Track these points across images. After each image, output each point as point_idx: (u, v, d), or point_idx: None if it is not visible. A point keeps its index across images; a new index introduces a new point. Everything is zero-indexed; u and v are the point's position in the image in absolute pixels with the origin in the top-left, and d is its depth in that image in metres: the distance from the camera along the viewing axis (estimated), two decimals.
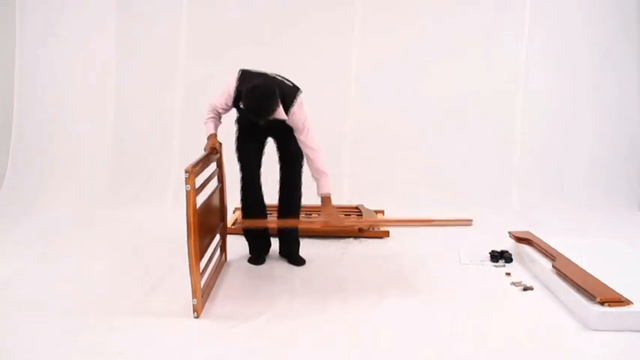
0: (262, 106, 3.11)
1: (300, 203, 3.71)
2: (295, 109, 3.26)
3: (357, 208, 4.86)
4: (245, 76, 3.34)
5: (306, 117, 3.32)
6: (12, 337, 2.63)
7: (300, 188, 3.65)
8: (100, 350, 2.53)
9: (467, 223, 3.10)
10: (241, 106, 3.27)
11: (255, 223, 3.62)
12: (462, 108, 5.45)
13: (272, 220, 3.76)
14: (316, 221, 3.29)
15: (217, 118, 3.44)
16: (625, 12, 5.45)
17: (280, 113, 3.19)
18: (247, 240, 3.78)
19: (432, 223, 3.18)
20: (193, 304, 2.85)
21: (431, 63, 5.43)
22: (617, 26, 5.46)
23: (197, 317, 2.85)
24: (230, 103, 3.36)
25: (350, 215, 4.69)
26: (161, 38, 5.43)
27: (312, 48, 5.41)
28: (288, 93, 3.27)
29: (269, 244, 3.82)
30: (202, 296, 2.94)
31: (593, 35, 5.46)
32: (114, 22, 5.39)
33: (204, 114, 3.44)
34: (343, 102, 5.45)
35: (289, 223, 3.64)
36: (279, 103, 3.17)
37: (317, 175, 3.34)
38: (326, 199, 3.34)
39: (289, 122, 3.30)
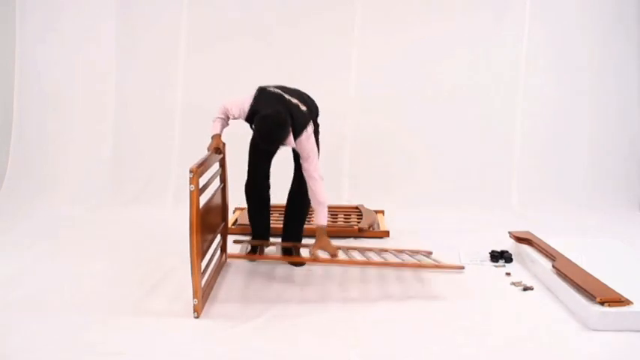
0: (272, 136, 3.08)
1: (308, 209, 3.68)
2: (303, 137, 3.23)
3: (357, 208, 4.86)
4: (261, 96, 3.31)
5: (313, 146, 3.29)
6: (12, 337, 2.63)
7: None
8: (100, 350, 2.53)
9: (459, 267, 3.12)
10: (253, 127, 3.25)
11: (258, 257, 3.59)
12: (462, 108, 5.45)
13: (273, 256, 3.69)
14: (312, 254, 3.30)
15: (226, 120, 3.42)
16: (625, 12, 5.45)
17: (290, 142, 3.17)
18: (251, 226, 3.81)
19: (425, 266, 3.17)
20: (194, 304, 2.85)
21: (431, 63, 5.43)
22: (617, 26, 5.46)
23: (197, 317, 2.85)
24: (243, 117, 3.34)
25: (350, 215, 4.69)
26: (161, 38, 5.43)
27: (312, 48, 5.41)
28: (299, 121, 3.23)
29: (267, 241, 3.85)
30: (203, 296, 2.94)
31: (593, 36, 5.47)
32: (114, 22, 5.39)
33: (215, 112, 3.41)
34: (343, 102, 5.45)
35: (289, 258, 3.59)
36: (290, 132, 3.15)
37: (316, 205, 3.31)
38: (321, 230, 3.32)
39: (296, 149, 3.29)
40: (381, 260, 3.32)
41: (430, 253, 3.71)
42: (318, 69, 5.36)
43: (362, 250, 3.65)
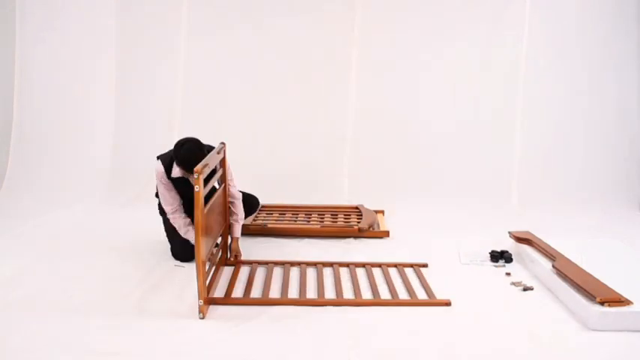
0: (197, 154, 3.19)
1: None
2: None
3: (357, 208, 4.86)
4: (165, 154, 3.50)
5: (231, 172, 3.62)
6: (12, 337, 2.63)
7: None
8: (100, 350, 2.53)
9: (446, 303, 3.06)
10: (174, 167, 3.39)
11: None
12: (461, 108, 5.46)
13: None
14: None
15: (183, 214, 3.58)
16: (625, 12, 5.45)
17: None
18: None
19: (410, 304, 3.09)
20: (199, 305, 2.83)
21: (431, 63, 5.44)
22: (617, 26, 5.47)
23: (202, 318, 2.84)
24: (165, 180, 3.46)
25: (350, 215, 4.69)
26: (161, 38, 5.43)
27: (312, 48, 5.41)
28: (210, 149, 3.40)
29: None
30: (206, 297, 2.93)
31: (593, 35, 5.47)
32: (114, 21, 5.39)
33: (177, 225, 3.58)
34: (343, 102, 5.45)
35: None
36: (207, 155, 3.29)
37: (240, 221, 3.67)
38: (235, 240, 3.68)
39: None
40: (370, 299, 3.17)
41: (425, 265, 3.64)
42: (318, 69, 5.36)
43: (353, 266, 3.57)
